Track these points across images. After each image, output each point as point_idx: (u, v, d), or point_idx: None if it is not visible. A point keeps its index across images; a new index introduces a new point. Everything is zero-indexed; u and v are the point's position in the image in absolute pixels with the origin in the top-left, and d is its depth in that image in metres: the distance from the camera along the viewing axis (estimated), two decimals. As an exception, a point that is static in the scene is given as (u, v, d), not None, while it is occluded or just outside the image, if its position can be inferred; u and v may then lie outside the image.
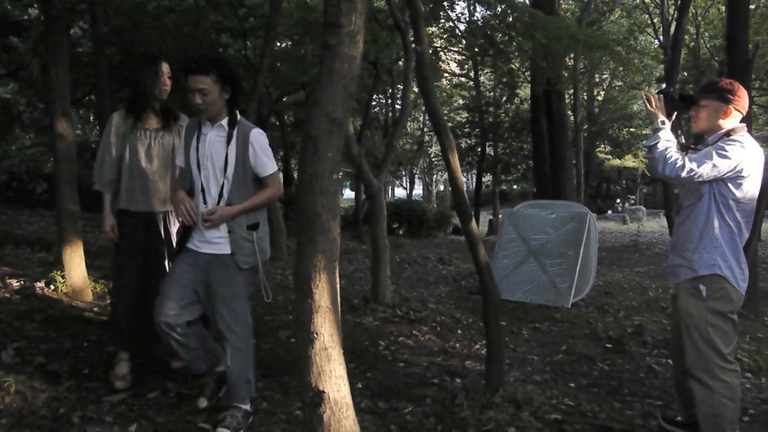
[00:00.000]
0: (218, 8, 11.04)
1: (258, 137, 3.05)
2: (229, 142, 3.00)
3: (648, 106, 3.02)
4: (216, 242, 3.06)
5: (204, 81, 2.88)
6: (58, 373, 3.57)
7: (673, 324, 3.18)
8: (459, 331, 5.46)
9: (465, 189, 4.27)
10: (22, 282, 4.94)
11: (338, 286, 2.08)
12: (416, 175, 35.88)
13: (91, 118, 18.28)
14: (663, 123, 2.94)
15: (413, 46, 4.21)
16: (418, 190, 40.56)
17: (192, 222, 3.01)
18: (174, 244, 3.63)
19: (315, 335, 1.99)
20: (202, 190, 3.03)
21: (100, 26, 8.40)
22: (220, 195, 3.01)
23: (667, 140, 2.87)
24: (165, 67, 3.65)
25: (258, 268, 3.10)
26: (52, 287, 4.88)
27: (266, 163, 3.07)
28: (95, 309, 4.69)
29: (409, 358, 4.54)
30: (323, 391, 2.02)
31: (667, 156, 2.82)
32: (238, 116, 3.07)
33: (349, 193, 49.26)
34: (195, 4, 12.06)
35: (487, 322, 3.62)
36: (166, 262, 3.66)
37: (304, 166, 2.00)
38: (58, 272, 4.93)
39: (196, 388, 3.58)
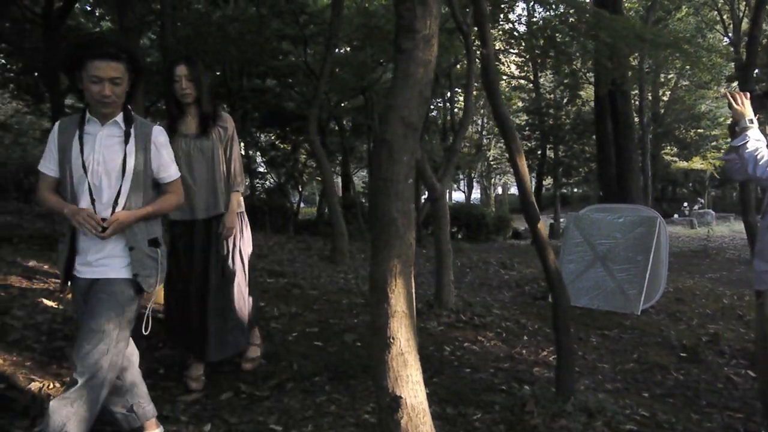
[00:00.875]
0: (280, 16, 11.22)
1: (159, 137, 2.63)
2: (126, 141, 2.51)
3: (734, 104, 2.88)
4: (105, 264, 2.51)
5: (117, 68, 2.40)
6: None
7: (759, 333, 3.04)
8: (525, 337, 5.37)
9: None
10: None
11: (413, 290, 2.08)
12: (474, 179, 35.60)
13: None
14: (751, 122, 2.81)
15: (478, 49, 4.17)
16: (476, 193, 40.24)
17: (95, 232, 2.40)
18: (226, 249, 3.69)
19: (391, 340, 1.99)
20: (92, 199, 2.48)
21: (168, 37, 8.66)
22: (115, 203, 2.49)
23: (757, 140, 2.74)
24: (182, 70, 3.48)
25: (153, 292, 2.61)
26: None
27: (170, 166, 2.67)
28: (167, 311, 4.82)
29: (476, 363, 4.49)
30: (400, 396, 2.01)
31: (758, 156, 2.69)
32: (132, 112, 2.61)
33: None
34: (258, 13, 12.32)
35: (557, 328, 3.55)
36: (213, 267, 3.63)
37: (379, 170, 2.00)
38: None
39: (267, 389, 3.64)
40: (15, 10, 11.43)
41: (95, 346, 2.40)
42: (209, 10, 12.08)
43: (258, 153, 19.13)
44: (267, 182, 19.20)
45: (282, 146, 19.43)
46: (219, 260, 3.65)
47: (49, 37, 11.85)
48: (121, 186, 2.50)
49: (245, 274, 3.82)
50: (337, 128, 17.65)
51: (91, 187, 2.47)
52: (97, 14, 13.64)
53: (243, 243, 3.83)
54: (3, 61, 15.65)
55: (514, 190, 48.32)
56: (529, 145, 23.85)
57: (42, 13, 12.10)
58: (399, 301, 1.99)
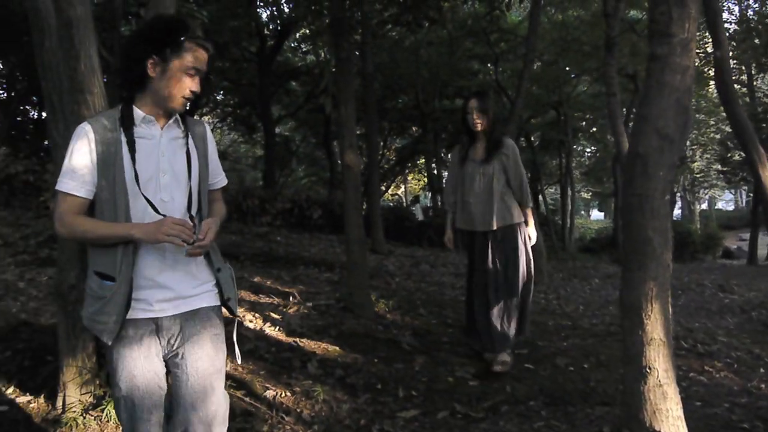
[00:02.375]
0: (474, 35, 11.30)
1: (210, 135, 2.14)
2: (187, 142, 2.02)
3: None
4: (199, 291, 2.01)
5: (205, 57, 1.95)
6: (355, 386, 3.83)
7: None
8: (761, 370, 4.75)
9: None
10: (316, 300, 5.47)
11: (671, 316, 1.90)
12: (677, 194, 32.85)
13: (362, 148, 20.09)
14: None
15: (712, 51, 3.81)
16: (678, 209, 37.09)
17: (192, 242, 1.86)
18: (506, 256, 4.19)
19: (647, 370, 1.84)
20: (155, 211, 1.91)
21: (368, 64, 9.11)
22: (191, 218, 1.97)
23: None
24: (473, 103, 4.10)
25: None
26: (340, 306, 5.32)
27: (220, 168, 2.20)
28: (380, 327, 4.99)
29: (706, 396, 4.05)
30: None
31: None
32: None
33: (596, 214, 46.98)
34: (449, 35, 12.53)
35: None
36: (491, 272, 4.17)
37: (632, 186, 1.87)
38: (346, 291, 5.36)
39: (482, 411, 3.59)
40: (234, 50, 12.76)
41: (217, 404, 2.02)
42: (403, 35, 12.52)
43: (445, 171, 19.37)
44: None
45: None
46: (499, 266, 4.18)
47: (263, 73, 13.09)
48: (190, 195, 1.99)
49: (523, 278, 4.22)
50: (526, 144, 17.32)
51: (156, 205, 1.90)
52: (303, 49, 14.76)
53: (522, 252, 4.23)
54: (222, 96, 17.53)
55: (721, 204, 43.81)
56: (742, 155, 21.47)
57: (257, 52, 13.43)
58: (655, 328, 1.84)
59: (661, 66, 1.86)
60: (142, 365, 1.88)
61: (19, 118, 14.06)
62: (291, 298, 5.41)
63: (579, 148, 23.78)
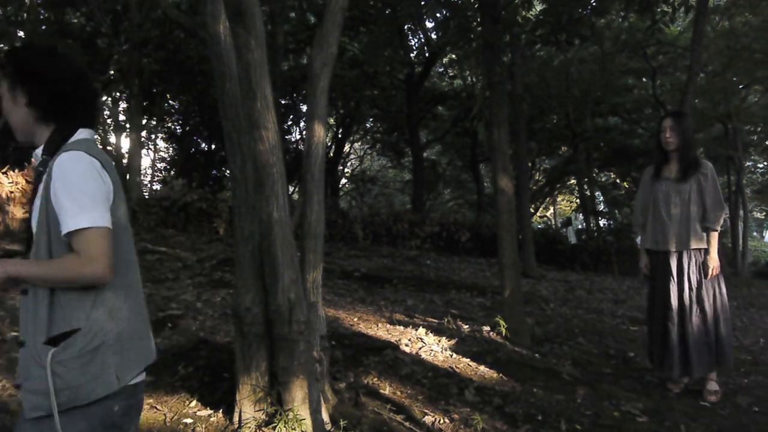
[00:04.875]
0: (631, 49, 10.81)
1: (64, 165, 1.53)
2: (40, 179, 1.60)
3: None
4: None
5: None
6: (515, 416, 3.72)
7: None
8: None
9: None
10: (470, 325, 5.43)
11: None
12: None
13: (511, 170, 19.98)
14: None
15: None
16: None
17: None
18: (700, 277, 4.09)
19: None
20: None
21: (518, 86, 9.02)
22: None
23: None
24: (668, 122, 4.14)
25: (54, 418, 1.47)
26: (495, 331, 5.24)
27: (67, 209, 1.49)
28: (537, 355, 4.84)
29: None
30: None
31: None
32: (73, 138, 1.63)
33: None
34: (601, 51, 12.08)
35: None
36: (674, 298, 4.12)
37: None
38: (500, 317, 5.26)
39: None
40: (384, 79, 13.19)
41: None
42: (552, 55, 12.26)
43: (598, 192, 18.56)
44: (611, 223, 18.44)
45: (624, 185, 18.54)
46: (692, 286, 4.11)
47: (411, 99, 13.40)
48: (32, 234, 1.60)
49: (719, 302, 4.14)
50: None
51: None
52: (450, 74, 14.94)
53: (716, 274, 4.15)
54: (371, 123, 18.17)
55: None
56: None
57: (405, 79, 13.78)
58: None
59: None
60: None
61: (192, 150, 15.48)
62: (445, 323, 5.41)
63: (750, 164, 21.79)
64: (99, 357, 1.52)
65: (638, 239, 4.47)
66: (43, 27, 12.45)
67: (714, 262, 4.06)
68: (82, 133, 1.65)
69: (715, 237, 4.11)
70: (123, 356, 1.56)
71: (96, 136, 1.71)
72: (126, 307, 1.59)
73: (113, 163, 1.64)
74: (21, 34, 12.34)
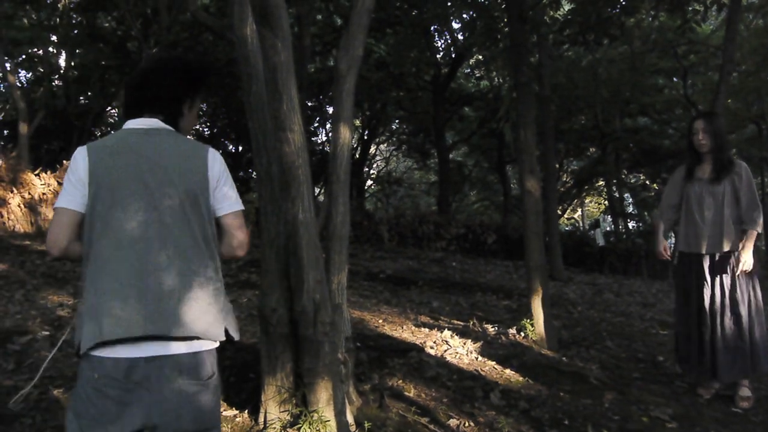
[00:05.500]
0: (662, 49, 10.65)
1: None
2: None
3: None
4: None
5: None
6: (541, 420, 3.68)
7: None
8: None
9: None
10: (496, 328, 5.39)
11: None
12: None
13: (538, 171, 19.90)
14: None
15: None
16: None
17: None
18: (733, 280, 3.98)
19: None
20: None
21: (545, 87, 8.93)
22: None
23: None
24: (699, 124, 4.07)
25: None
26: (522, 334, 5.19)
27: None
28: (564, 359, 4.79)
29: None
30: None
31: None
32: None
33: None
34: (630, 51, 11.92)
35: None
36: (707, 301, 4.03)
37: None
38: (527, 320, 5.22)
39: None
40: (410, 80, 13.18)
41: None
42: (580, 55, 12.13)
43: (627, 194, 18.31)
44: (640, 225, 18.20)
45: (654, 186, 18.26)
46: (725, 289, 4.01)
47: (437, 100, 13.37)
48: None
49: (753, 306, 4.02)
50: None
51: None
52: (476, 75, 14.89)
53: (750, 277, 4.06)
54: (397, 125, 18.16)
55: None
56: None
57: (431, 80, 13.76)
58: None
59: None
60: None
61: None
62: (471, 325, 5.38)
63: (785, 165, 21.27)
64: (79, 320, 1.69)
65: (659, 228, 4.38)
66: (75, 31, 12.70)
67: (746, 258, 3.95)
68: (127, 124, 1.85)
69: (753, 237, 3.99)
70: (87, 327, 1.64)
71: (141, 124, 1.83)
72: (104, 283, 1.66)
73: (127, 147, 1.76)
74: (54, 38, 12.61)
